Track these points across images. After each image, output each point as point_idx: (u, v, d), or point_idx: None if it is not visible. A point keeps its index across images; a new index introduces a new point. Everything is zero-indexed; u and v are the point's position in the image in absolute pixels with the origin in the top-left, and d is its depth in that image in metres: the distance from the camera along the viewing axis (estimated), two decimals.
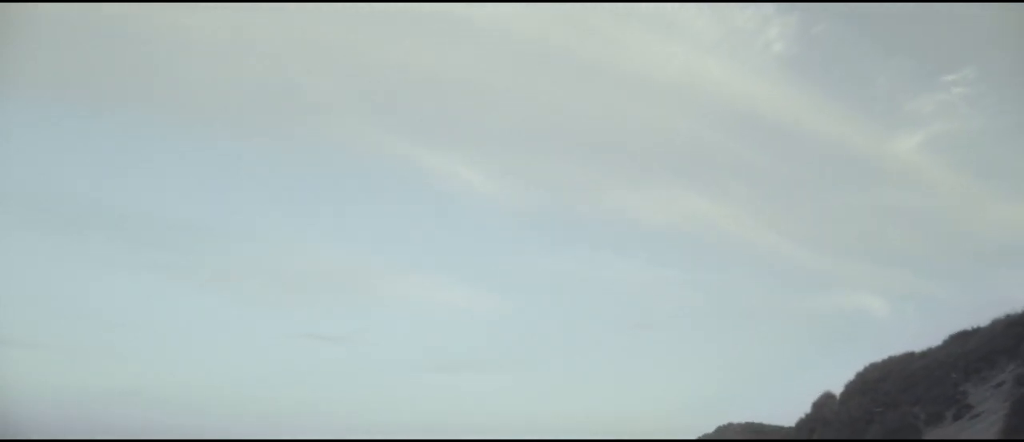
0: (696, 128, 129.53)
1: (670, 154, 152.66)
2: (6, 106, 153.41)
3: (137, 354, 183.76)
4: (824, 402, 35.07)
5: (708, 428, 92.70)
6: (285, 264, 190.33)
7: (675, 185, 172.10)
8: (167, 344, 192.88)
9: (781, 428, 52.61)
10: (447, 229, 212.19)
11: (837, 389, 36.44)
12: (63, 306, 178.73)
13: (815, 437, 33.09)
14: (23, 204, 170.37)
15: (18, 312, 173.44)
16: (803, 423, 35.84)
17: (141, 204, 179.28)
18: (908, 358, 31.64)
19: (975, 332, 29.51)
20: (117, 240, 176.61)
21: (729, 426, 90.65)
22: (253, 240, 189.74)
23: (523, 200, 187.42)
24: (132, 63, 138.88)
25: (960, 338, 30.14)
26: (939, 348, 31.02)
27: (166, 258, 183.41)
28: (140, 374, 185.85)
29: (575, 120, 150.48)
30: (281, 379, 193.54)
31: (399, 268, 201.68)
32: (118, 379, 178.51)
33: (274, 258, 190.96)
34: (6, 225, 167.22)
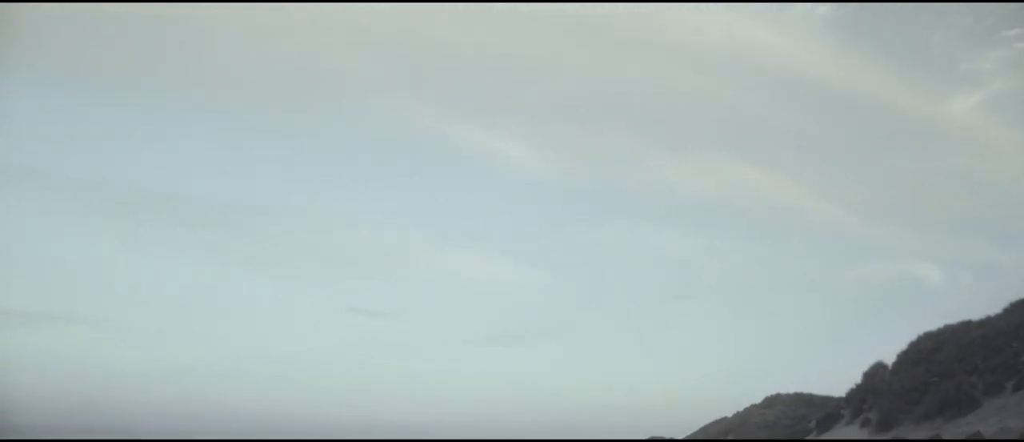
0: (740, 94, 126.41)
1: (713, 122, 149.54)
2: (58, 96, 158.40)
3: (188, 331, 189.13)
4: (875, 372, 34.26)
5: (755, 398, 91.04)
6: (329, 241, 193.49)
7: (719, 154, 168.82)
8: (216, 321, 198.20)
9: (830, 398, 51.83)
10: (487, 203, 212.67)
11: (889, 359, 35.57)
12: (117, 286, 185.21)
13: (865, 407, 32.43)
14: (78, 188, 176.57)
15: (75, 292, 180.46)
16: (854, 393, 35.14)
17: (189, 186, 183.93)
18: (965, 327, 30.60)
19: None
20: (167, 221, 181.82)
21: (777, 397, 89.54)
22: (297, 218, 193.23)
23: (563, 172, 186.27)
24: (173, 49, 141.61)
25: (1022, 306, 29.01)
26: (999, 317, 29.88)
27: (214, 237, 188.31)
28: (192, 351, 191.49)
29: (615, 89, 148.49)
30: (328, 354, 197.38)
31: (440, 243, 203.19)
32: (171, 356, 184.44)
33: (318, 235, 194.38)
34: (62, 209, 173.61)
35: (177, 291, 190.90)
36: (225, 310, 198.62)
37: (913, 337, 33.45)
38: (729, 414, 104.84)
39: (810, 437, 41.73)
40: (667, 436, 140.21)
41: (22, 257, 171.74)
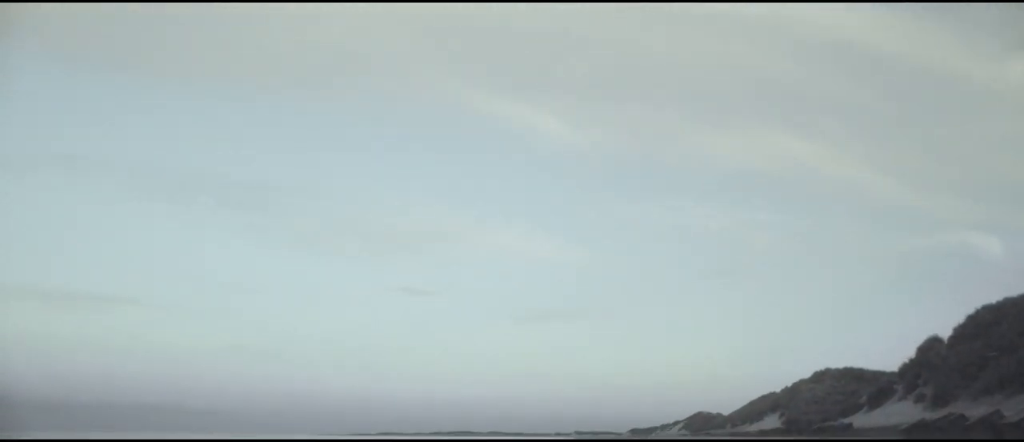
0: (783, 63, 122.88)
1: (755, 93, 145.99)
2: (114, 88, 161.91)
3: (239, 311, 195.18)
4: (930, 346, 33.35)
5: (803, 374, 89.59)
6: (374, 221, 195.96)
7: (762, 125, 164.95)
8: (266, 301, 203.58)
9: (882, 373, 50.74)
10: (528, 180, 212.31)
11: (944, 333, 34.57)
12: (173, 268, 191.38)
13: (919, 383, 31.61)
14: (131, 174, 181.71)
15: (133, 274, 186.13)
16: (907, 368, 34.28)
17: (238, 170, 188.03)
18: None
19: None
20: (217, 204, 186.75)
21: (826, 372, 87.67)
22: (342, 199, 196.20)
23: (604, 147, 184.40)
24: (219, 37, 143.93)
25: None
26: None
27: (264, 220, 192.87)
28: (243, 330, 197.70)
29: (655, 63, 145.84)
30: (377, 332, 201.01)
31: (483, 221, 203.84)
32: (224, 335, 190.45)
33: (363, 216, 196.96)
34: (117, 195, 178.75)
35: (229, 272, 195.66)
36: (274, 290, 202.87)
37: (970, 310, 32.44)
38: (777, 389, 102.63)
39: (861, 413, 40.96)
40: (714, 411, 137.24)
41: (83, 242, 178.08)
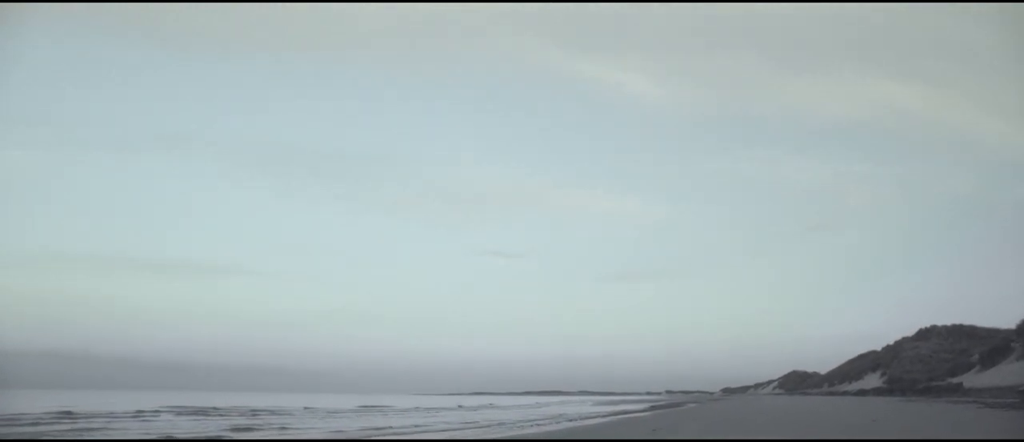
0: (880, 3, 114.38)
1: (851, 37, 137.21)
2: (200, 65, 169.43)
3: (333, 278, 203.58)
4: None
5: (907, 331, 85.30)
6: (460, 186, 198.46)
7: (858, 72, 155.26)
8: (362, 267, 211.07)
9: (996, 330, 47.51)
10: (612, 138, 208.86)
11: None
12: (272, 238, 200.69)
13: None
14: (232, 150, 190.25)
15: (235, 245, 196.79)
16: None
17: (328, 141, 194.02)
18: None
19: None
20: (311, 176, 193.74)
21: (932, 329, 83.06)
22: (430, 166, 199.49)
23: (690, 102, 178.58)
24: (304, 14, 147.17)
25: None
26: None
27: (354, 189, 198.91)
28: (338, 296, 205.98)
29: (741, 11, 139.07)
30: (466, 294, 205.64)
31: (567, 181, 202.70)
32: (322, 301, 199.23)
33: (450, 181, 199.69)
34: (220, 169, 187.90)
35: (322, 241, 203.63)
36: (367, 256, 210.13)
37: None
38: (878, 347, 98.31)
39: (972, 372, 38.39)
40: (809, 369, 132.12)
41: (190, 216, 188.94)
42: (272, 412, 42.65)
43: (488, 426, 29.61)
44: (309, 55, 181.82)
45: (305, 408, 51.21)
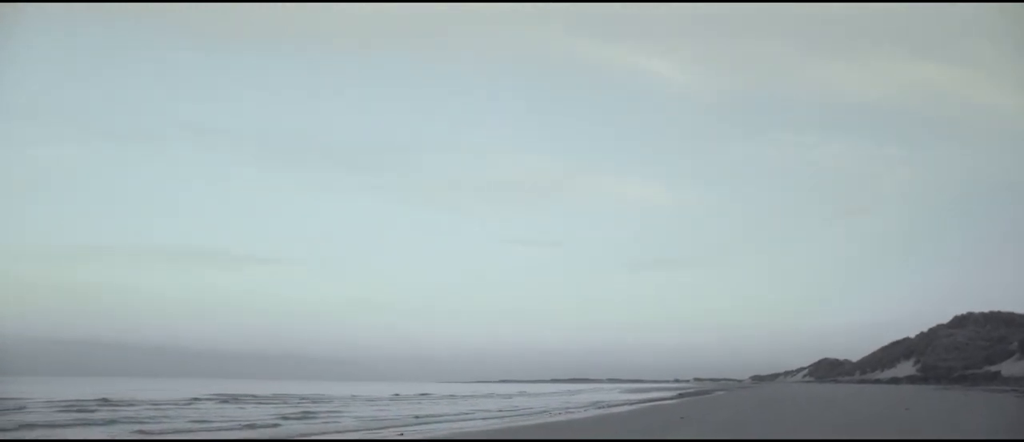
0: None
1: (884, 16, 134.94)
2: (236, 60, 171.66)
3: (359, 267, 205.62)
4: None
5: (943, 318, 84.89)
6: (487, 175, 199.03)
7: (891, 52, 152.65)
8: (389, 256, 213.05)
9: None
10: (639, 125, 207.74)
11: None
12: (300, 228, 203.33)
13: None
14: (256, 141, 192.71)
15: (268, 236, 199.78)
16: None
17: (351, 132, 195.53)
18: None
19: None
20: (342, 167, 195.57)
21: (968, 316, 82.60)
22: (457, 155, 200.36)
23: (717, 86, 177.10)
24: (329, 3, 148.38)
25: None
26: None
27: (379, 179, 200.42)
28: (367, 284, 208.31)
29: None
30: (495, 283, 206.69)
31: (594, 169, 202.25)
32: (349, 290, 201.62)
33: (476, 170, 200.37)
34: (245, 160, 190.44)
35: (350, 231, 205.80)
36: (395, 245, 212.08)
37: None
38: (911, 335, 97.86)
39: (1011, 360, 38.49)
40: (840, 357, 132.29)
41: (215, 206, 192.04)
42: (315, 400, 43.85)
43: (531, 413, 30.53)
44: (338, 46, 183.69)
45: (352, 396, 52.51)
